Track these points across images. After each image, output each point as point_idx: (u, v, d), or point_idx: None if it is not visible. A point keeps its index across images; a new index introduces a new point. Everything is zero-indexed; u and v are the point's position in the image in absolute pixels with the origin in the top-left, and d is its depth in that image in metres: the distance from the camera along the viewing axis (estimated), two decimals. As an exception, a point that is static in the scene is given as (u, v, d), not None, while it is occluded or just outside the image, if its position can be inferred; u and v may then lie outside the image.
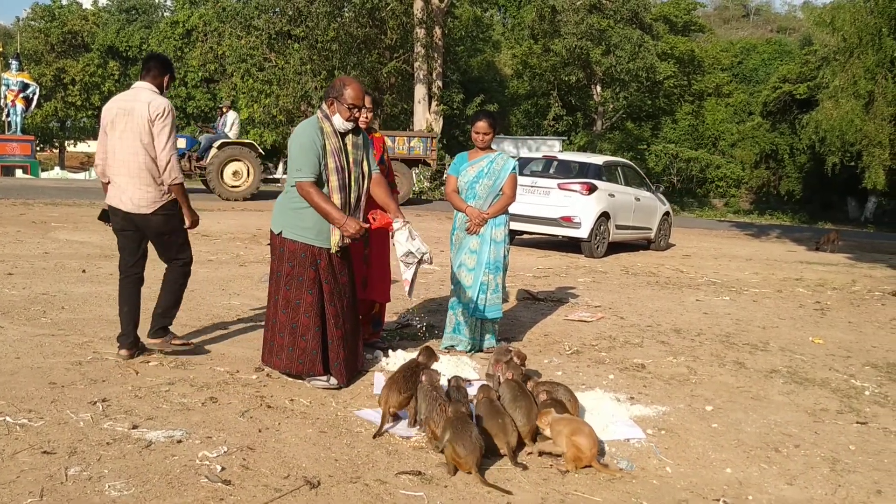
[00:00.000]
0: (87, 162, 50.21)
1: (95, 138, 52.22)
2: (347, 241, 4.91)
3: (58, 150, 50.81)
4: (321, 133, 4.86)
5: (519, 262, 11.98)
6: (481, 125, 6.06)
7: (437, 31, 28.52)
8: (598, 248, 12.95)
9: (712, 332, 7.40)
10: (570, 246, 13.66)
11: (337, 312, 5.00)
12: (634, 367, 6.04)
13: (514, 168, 6.16)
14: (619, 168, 14.35)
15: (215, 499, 3.41)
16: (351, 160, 4.97)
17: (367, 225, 4.97)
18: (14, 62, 35.79)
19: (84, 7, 55.89)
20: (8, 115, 34.46)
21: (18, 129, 34.18)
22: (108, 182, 5.41)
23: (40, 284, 7.77)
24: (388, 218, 5.06)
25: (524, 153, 14.68)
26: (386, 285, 6.01)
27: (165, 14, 54.82)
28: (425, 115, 28.52)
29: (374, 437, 4.26)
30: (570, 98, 39.94)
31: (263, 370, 5.29)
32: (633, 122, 42.05)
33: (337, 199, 4.86)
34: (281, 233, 4.96)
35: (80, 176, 35.77)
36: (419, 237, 5.02)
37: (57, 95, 45.70)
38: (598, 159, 13.96)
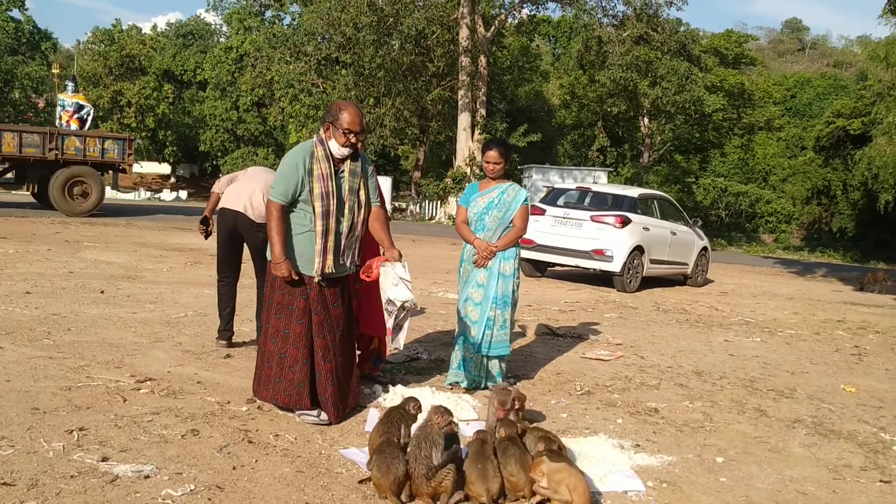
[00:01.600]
0: (139, 182, 51.18)
1: (149, 160, 53.22)
2: (330, 270, 4.75)
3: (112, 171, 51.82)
4: (310, 157, 4.72)
5: (547, 294, 11.73)
6: (492, 154, 5.87)
7: (482, 59, 28.50)
8: (630, 282, 12.62)
9: (736, 376, 7.05)
10: (603, 280, 13.35)
11: (326, 345, 4.83)
12: (647, 412, 5.74)
13: (525, 200, 5.94)
14: (654, 201, 14.03)
15: (170, 542, 3.23)
16: (346, 188, 4.81)
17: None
18: (70, 84, 36.61)
19: (143, 31, 57.28)
20: (63, 136, 35.20)
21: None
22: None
23: (55, 305, 7.74)
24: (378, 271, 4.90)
25: (568, 184, 14.45)
26: (373, 319, 5.79)
27: (220, 39, 55.91)
28: (468, 144, 28.48)
29: (360, 482, 4.03)
30: (617, 129, 39.66)
31: (255, 402, 5.13)
32: (681, 155, 41.53)
33: (319, 225, 4.71)
34: (288, 261, 4.80)
35: (130, 196, 36.34)
36: (406, 279, 4.82)
37: (113, 117, 46.69)
38: (632, 192, 13.67)
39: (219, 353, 6.38)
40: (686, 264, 14.35)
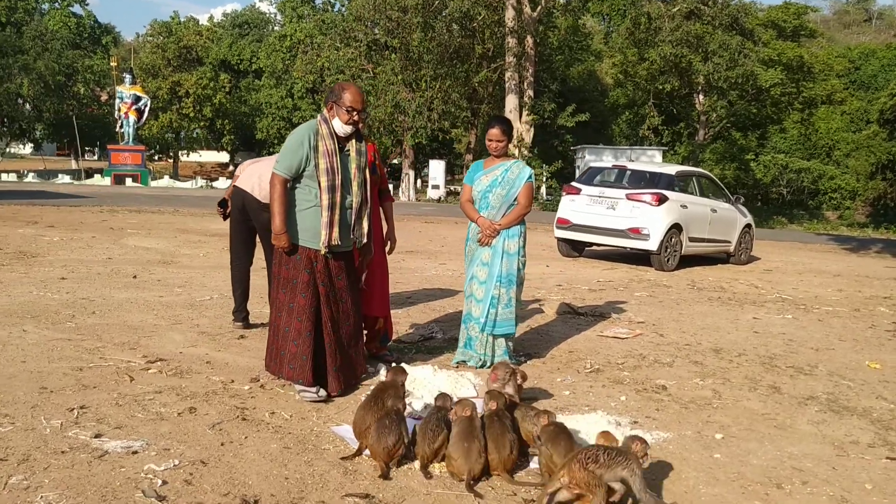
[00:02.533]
0: (199, 171, 52.23)
1: (207, 149, 54.17)
2: (336, 242, 4.89)
3: (172, 160, 53.02)
4: (315, 134, 4.88)
5: (581, 274, 11.64)
6: (494, 132, 5.84)
7: (529, 40, 28.25)
8: (668, 261, 12.43)
9: (756, 353, 6.91)
10: (642, 259, 13.18)
11: (332, 316, 4.98)
12: (654, 389, 5.67)
13: (530, 177, 5.89)
14: (693, 178, 13.77)
15: (140, 516, 3.32)
16: (354, 166, 4.99)
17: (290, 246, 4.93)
18: (128, 76, 37.59)
19: (200, 23, 58.24)
20: (121, 127, 36.20)
21: (131, 139, 35.85)
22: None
23: (86, 289, 7.97)
24: None
25: (604, 163, 14.34)
26: (382, 298, 5.86)
27: (275, 28, 56.54)
28: (516, 125, 28.26)
29: (343, 458, 4.08)
30: (671, 107, 38.95)
31: (258, 381, 5.23)
32: (739, 132, 40.61)
33: (326, 199, 4.85)
34: (288, 233, 4.94)
35: (188, 185, 37.07)
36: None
37: (172, 107, 47.68)
38: (670, 169, 13.44)
39: (233, 335, 6.51)
40: (728, 242, 14.07)
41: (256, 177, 6.33)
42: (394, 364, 5.67)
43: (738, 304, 9.54)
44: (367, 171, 5.11)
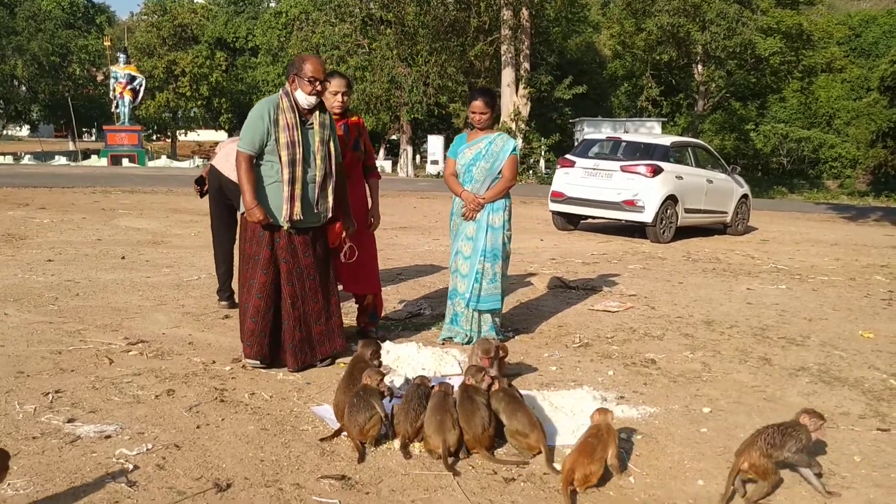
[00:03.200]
0: (197, 150, 51.97)
1: (205, 128, 53.96)
2: (298, 218, 4.81)
3: (170, 140, 52.76)
4: (276, 108, 4.81)
5: (575, 247, 11.55)
6: (477, 104, 5.71)
7: (525, 12, 27.95)
8: (664, 232, 12.33)
9: (748, 325, 6.83)
10: (638, 231, 13.07)
11: (294, 293, 4.92)
12: (643, 363, 5.59)
13: (514, 149, 5.77)
14: (689, 149, 13.64)
15: (110, 502, 3.24)
16: (317, 139, 4.89)
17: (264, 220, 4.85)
18: (122, 56, 37.23)
19: (194, 1, 57.71)
20: (117, 107, 35.93)
21: (126, 119, 35.61)
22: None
23: (72, 271, 7.89)
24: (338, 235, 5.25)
25: (598, 135, 14.33)
26: (369, 274, 5.76)
27: (270, 5, 56.01)
28: (512, 99, 28.09)
29: (322, 440, 4.01)
30: (670, 78, 38.63)
31: (240, 361, 5.15)
32: (739, 102, 40.30)
33: (286, 173, 4.78)
34: (243, 212, 4.92)
35: (185, 164, 36.86)
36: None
37: (168, 87, 47.33)
38: (665, 140, 13.32)
39: (218, 314, 6.44)
40: (724, 212, 13.96)
41: (234, 155, 6.22)
42: (379, 342, 5.63)
43: (733, 275, 9.44)
44: (333, 143, 5.00)
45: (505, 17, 27.72)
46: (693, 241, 12.94)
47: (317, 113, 4.92)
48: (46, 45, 43.55)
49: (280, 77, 48.53)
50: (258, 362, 5.00)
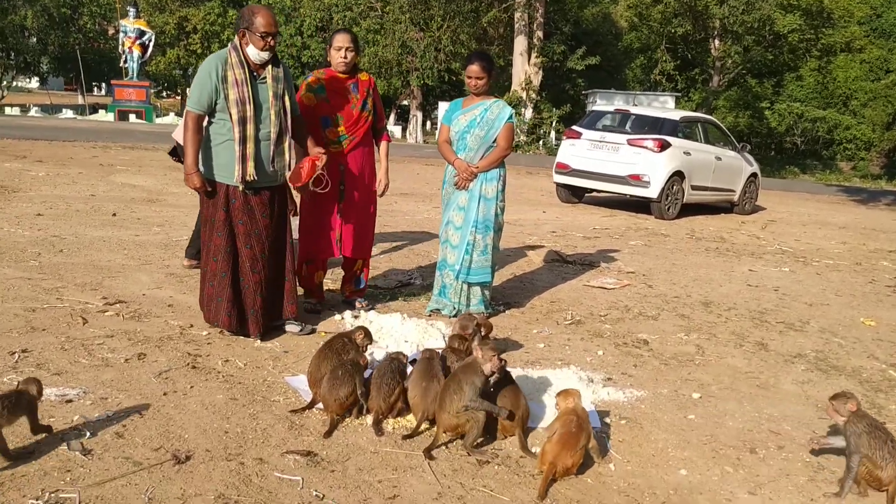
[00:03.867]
0: (207, 109, 51.53)
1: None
2: (251, 178, 4.61)
3: (179, 97, 52.40)
4: (224, 64, 4.55)
5: (577, 221, 11.34)
6: (473, 69, 5.48)
7: (540, -22, 27.50)
8: (668, 209, 12.10)
9: (747, 308, 6.64)
10: (642, 206, 12.83)
11: (254, 255, 4.73)
12: (634, 343, 5.42)
13: (510, 117, 5.55)
14: (698, 125, 13.35)
15: (61, 470, 3.10)
16: (271, 93, 4.66)
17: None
18: (132, 10, 36.85)
19: (208, -44, 56.97)
20: (125, 62, 35.62)
21: (135, 75, 35.32)
22: None
23: (60, 227, 7.73)
24: (312, 167, 4.86)
25: (607, 106, 13.86)
26: (360, 241, 5.56)
27: (285, -38, 55.26)
28: (524, 67, 27.70)
29: (292, 412, 3.86)
30: (686, 53, 38.06)
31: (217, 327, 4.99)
32: (755, 79, 39.69)
33: (237, 132, 4.57)
34: (200, 172, 4.71)
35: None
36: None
37: (179, 43, 46.86)
38: (674, 114, 13.03)
39: (201, 277, 6.27)
40: (732, 191, 13.71)
41: None
42: (363, 311, 5.49)
43: (736, 256, 9.24)
44: (288, 97, 4.77)
45: (520, -16, 27.27)
46: (698, 219, 12.71)
47: (269, 67, 4.67)
48: (58, -5, 43.08)
49: (292, 38, 48.11)
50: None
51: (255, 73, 4.65)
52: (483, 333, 4.53)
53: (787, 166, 35.51)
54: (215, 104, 4.59)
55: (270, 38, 4.56)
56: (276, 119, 4.68)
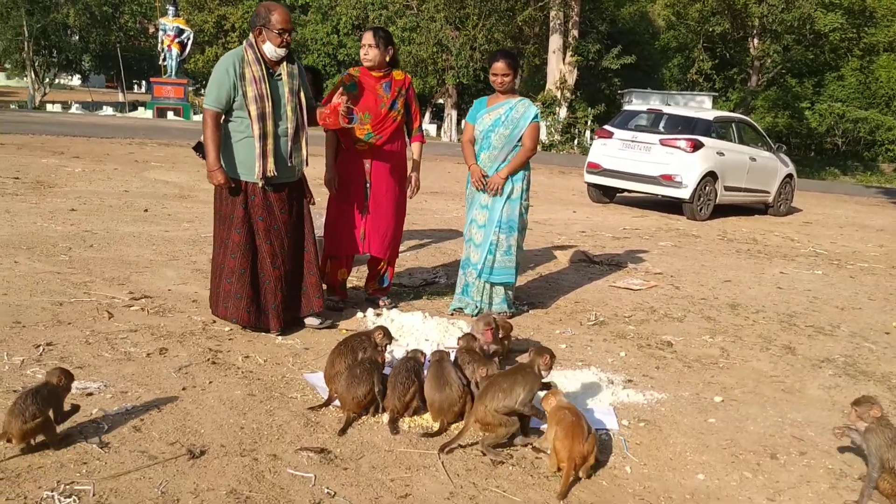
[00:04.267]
0: (244, 106, 51.95)
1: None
2: (272, 173, 4.66)
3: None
4: (241, 62, 4.61)
5: (608, 221, 11.26)
6: (499, 66, 5.45)
7: (575, -23, 27.35)
8: (701, 210, 11.97)
9: (775, 310, 6.54)
10: (675, 207, 12.70)
11: (273, 251, 4.78)
12: (658, 345, 5.37)
13: (535, 117, 5.51)
14: (732, 125, 13.18)
15: (77, 462, 3.14)
16: (287, 90, 4.72)
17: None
18: (171, 8, 37.29)
19: (247, -45, 57.46)
20: (164, 60, 36.08)
21: (174, 72, 35.76)
22: None
23: (92, 222, 7.85)
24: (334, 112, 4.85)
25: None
26: (385, 240, 5.53)
27: (323, -38, 55.54)
28: (559, 66, 27.57)
29: (311, 409, 3.87)
30: (725, 52, 37.60)
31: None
32: (794, 78, 39.11)
33: (256, 128, 4.62)
34: (223, 168, 4.74)
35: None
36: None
37: (218, 42, 47.32)
38: (708, 114, 12.87)
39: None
40: (767, 192, 13.52)
41: None
42: (386, 310, 5.49)
43: (767, 258, 9.11)
44: (303, 94, 4.81)
45: (555, -19, 27.16)
46: (731, 220, 12.56)
47: (284, 63, 4.73)
48: (100, -6, 43.73)
49: (329, 36, 48.36)
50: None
51: (271, 70, 4.69)
52: (501, 335, 4.52)
53: (828, 167, 34.98)
54: (233, 102, 4.63)
55: (287, 34, 4.61)
56: (293, 115, 4.73)
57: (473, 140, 5.63)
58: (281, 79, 4.71)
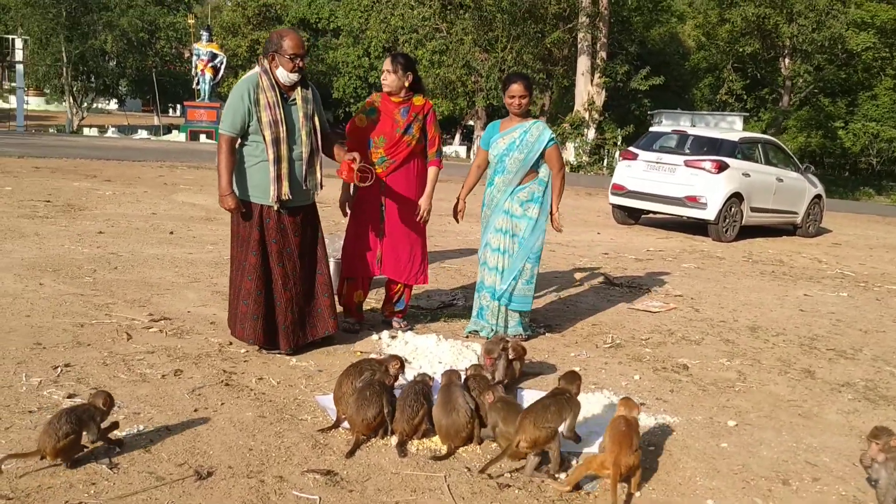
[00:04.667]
0: (276, 129, 52.48)
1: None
2: (287, 197, 4.74)
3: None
4: (256, 88, 4.72)
5: (632, 242, 11.22)
6: (516, 88, 5.48)
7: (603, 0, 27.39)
8: (726, 231, 11.88)
9: (796, 333, 6.47)
10: (700, 228, 12.62)
11: (286, 273, 4.85)
12: (674, 368, 5.33)
13: (551, 139, 5.54)
14: (758, 145, 13.09)
15: (86, 483, 3.19)
16: (301, 114, 4.81)
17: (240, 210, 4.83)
18: (205, 33, 37.92)
19: (280, -20, 58.33)
20: (198, 84, 36.64)
21: (206, 96, 36.29)
22: None
23: (119, 244, 7.97)
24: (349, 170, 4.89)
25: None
26: (400, 262, 5.55)
27: (355, -14, 56.23)
28: (587, 88, 27.58)
29: (321, 430, 3.90)
30: (756, 72, 37.40)
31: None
32: (827, 98, 38.78)
33: (271, 152, 4.70)
34: (235, 193, 4.86)
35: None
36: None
37: (251, 65, 47.99)
38: (733, 135, 12.79)
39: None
40: (795, 213, 13.39)
41: None
42: (401, 332, 5.52)
43: (792, 280, 9.01)
44: (317, 119, 4.91)
45: (583, 5, 27.19)
46: (757, 242, 12.45)
47: (298, 88, 4.83)
48: (136, 21, 44.56)
49: (360, 59, 48.87)
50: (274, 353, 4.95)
51: (285, 95, 4.79)
52: (512, 357, 4.53)
53: (862, 187, 34.60)
54: (248, 126, 4.73)
55: (299, 59, 4.71)
56: (307, 139, 4.82)
57: (484, 165, 5.69)
58: (295, 104, 4.80)
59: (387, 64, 5.45)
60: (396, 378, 4.15)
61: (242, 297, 4.82)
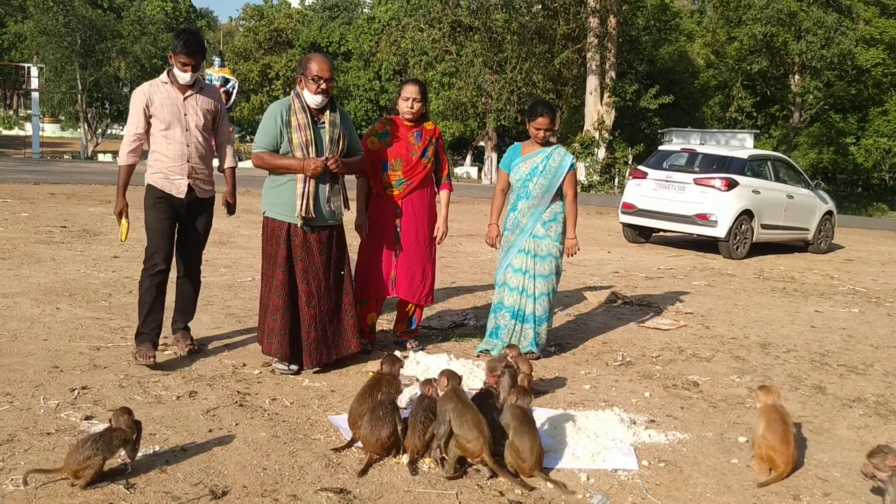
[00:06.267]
0: (288, 153, 52.86)
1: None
2: (310, 214, 4.89)
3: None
4: (287, 110, 4.93)
5: (643, 261, 11.25)
6: (543, 121, 5.55)
7: (612, 20, 27.55)
8: (737, 248, 11.90)
9: (807, 349, 6.48)
10: (711, 245, 12.64)
11: (310, 291, 4.98)
12: (684, 385, 5.36)
13: (572, 164, 5.65)
14: (768, 163, 13.13)
15: (103, 503, 3.25)
16: (327, 138, 4.97)
17: (328, 162, 4.93)
18: (217, 59, 38.20)
19: (291, 6, 59.03)
20: (210, 108, 36.84)
21: (219, 121, 36.48)
22: None
23: (133, 269, 8.02)
24: None
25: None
26: (413, 283, 5.61)
27: (364, 10, 56.84)
28: (596, 107, 27.70)
29: (334, 450, 3.95)
30: (765, 89, 37.44)
31: (269, 365, 5.15)
32: (837, 114, 38.74)
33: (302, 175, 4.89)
34: (265, 212, 5.07)
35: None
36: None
37: (262, 90, 48.48)
38: (743, 153, 12.85)
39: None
40: (806, 230, 13.39)
41: None
42: (413, 352, 5.57)
43: (803, 296, 9.02)
44: (344, 142, 5.05)
45: (591, 25, 27.37)
46: (769, 259, 12.45)
47: (327, 112, 4.99)
48: (149, 48, 45.10)
49: (371, 82, 49.25)
50: (285, 366, 5.02)
51: (315, 118, 4.96)
52: (515, 374, 4.55)
53: (875, 203, 34.47)
54: (279, 147, 4.91)
55: (323, 81, 4.86)
56: None
57: (507, 188, 5.76)
58: (324, 127, 4.97)
59: (413, 92, 5.51)
60: (398, 379, 4.23)
61: (271, 313, 4.95)
